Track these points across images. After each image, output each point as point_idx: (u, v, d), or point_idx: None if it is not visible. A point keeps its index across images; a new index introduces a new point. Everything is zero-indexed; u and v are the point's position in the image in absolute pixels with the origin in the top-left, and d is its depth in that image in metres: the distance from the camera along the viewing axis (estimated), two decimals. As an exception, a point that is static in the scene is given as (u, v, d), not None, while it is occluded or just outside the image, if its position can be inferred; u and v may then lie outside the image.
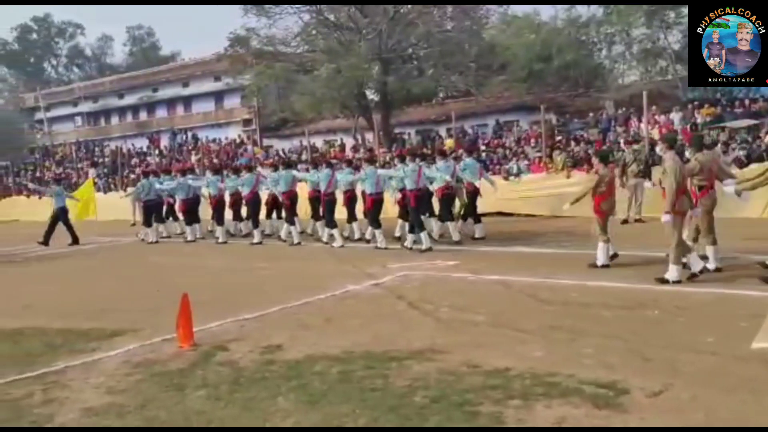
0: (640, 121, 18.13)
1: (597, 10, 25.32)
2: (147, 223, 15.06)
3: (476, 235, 11.76)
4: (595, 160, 8.91)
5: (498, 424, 3.66)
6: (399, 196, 11.84)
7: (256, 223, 13.46)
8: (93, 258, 13.16)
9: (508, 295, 7.17)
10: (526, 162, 17.30)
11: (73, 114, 50.11)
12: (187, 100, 44.26)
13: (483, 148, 20.83)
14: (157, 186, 15.06)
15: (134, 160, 33.73)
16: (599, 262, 8.28)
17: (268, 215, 14.53)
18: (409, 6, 22.62)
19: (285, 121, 31.73)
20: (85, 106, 48.29)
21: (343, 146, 27.29)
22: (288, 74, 24.34)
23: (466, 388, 4.21)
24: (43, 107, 47.81)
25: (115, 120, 49.13)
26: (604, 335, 5.27)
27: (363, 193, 12.04)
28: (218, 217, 14.21)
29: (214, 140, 36.06)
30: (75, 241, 15.09)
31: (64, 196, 15.80)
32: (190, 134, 39.76)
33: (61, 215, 15.29)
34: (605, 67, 27.68)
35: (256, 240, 13.26)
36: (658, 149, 8.12)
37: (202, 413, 4.07)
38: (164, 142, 39.29)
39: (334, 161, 15.38)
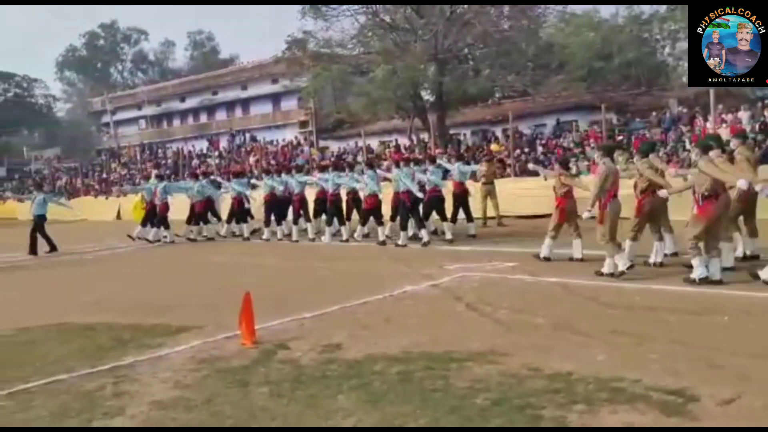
0: (706, 119, 17.54)
1: (660, 6, 24.63)
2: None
3: (470, 233, 12.74)
4: (597, 155, 8.95)
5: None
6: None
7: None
8: (156, 256, 13.58)
9: (568, 298, 7.05)
10: (585, 162, 16.96)
11: (138, 117, 51.84)
12: (246, 103, 45.21)
13: (540, 148, 20.54)
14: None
15: (195, 162, 34.64)
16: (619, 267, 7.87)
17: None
18: (466, 6, 22.47)
19: (341, 123, 32.05)
20: (149, 110, 49.88)
21: (398, 147, 27.35)
22: (344, 76, 24.53)
23: (527, 392, 4.16)
24: (109, 111, 49.62)
25: (176, 122, 50.62)
26: (671, 340, 5.12)
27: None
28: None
29: (271, 142, 36.72)
30: (52, 249, 14.33)
31: (45, 204, 14.79)
32: (248, 136, 40.60)
33: (38, 223, 14.38)
34: (668, 64, 26.89)
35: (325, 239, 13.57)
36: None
37: (265, 410, 4.15)
38: (223, 143, 40.21)
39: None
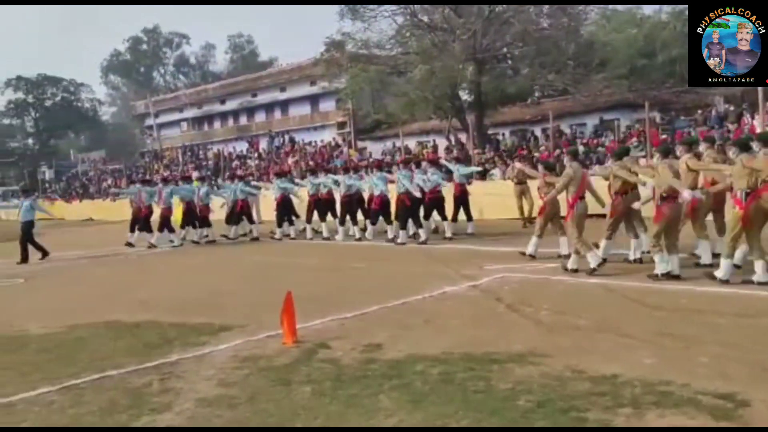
0: (753, 117, 17.03)
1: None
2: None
3: (468, 231, 13.37)
4: (566, 158, 9.25)
5: (607, 432, 3.55)
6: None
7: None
8: (197, 256, 13.80)
9: (611, 299, 6.94)
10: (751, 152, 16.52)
11: (179, 119, 52.78)
12: (284, 104, 45.61)
13: (582, 148, 20.22)
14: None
15: (235, 163, 35.13)
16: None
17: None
18: (505, 5, 22.27)
19: (379, 123, 32.03)
20: (190, 112, 50.75)
21: (435, 147, 27.26)
22: (382, 77, 24.55)
23: (571, 394, 4.11)
24: (152, 113, 50.62)
25: (217, 124, 51.38)
26: (720, 343, 4.99)
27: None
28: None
29: (309, 143, 36.99)
30: (43, 255, 14.14)
31: (33, 210, 14.60)
32: (287, 137, 40.98)
33: (26, 230, 14.10)
34: (714, 61, 26.11)
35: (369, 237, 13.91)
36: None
37: (308, 408, 4.18)
38: (263, 145, 40.66)
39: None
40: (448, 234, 13.05)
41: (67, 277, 11.80)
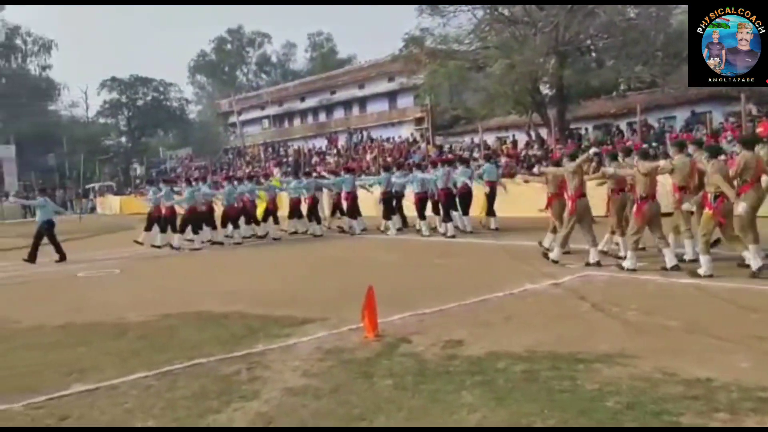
0: None
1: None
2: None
3: (491, 226, 14.35)
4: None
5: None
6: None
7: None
8: (279, 251, 14.15)
9: (703, 300, 6.65)
10: (722, 157, 15.81)
11: (261, 117, 54.21)
12: (363, 101, 46.06)
13: (669, 143, 19.38)
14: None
15: (314, 159, 35.79)
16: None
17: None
18: (590, -4, 21.60)
19: (457, 119, 31.83)
20: (272, 110, 51.99)
21: (515, 143, 26.86)
22: (461, 72, 24.31)
23: (662, 397, 3.97)
24: (235, 111, 52.17)
25: (297, 122, 52.50)
26: (826, 349, 4.70)
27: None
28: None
29: (387, 139, 37.21)
30: (61, 257, 13.52)
31: (50, 208, 14.05)
32: (365, 134, 41.39)
33: (45, 229, 13.55)
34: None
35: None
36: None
37: (391, 401, 4.22)
38: (341, 141, 41.23)
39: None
40: (468, 229, 14.11)
41: (159, 269, 12.36)
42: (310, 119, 51.20)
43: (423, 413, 4.00)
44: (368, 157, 31.63)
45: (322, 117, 49.81)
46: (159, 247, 14.72)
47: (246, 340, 6.03)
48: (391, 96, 43.40)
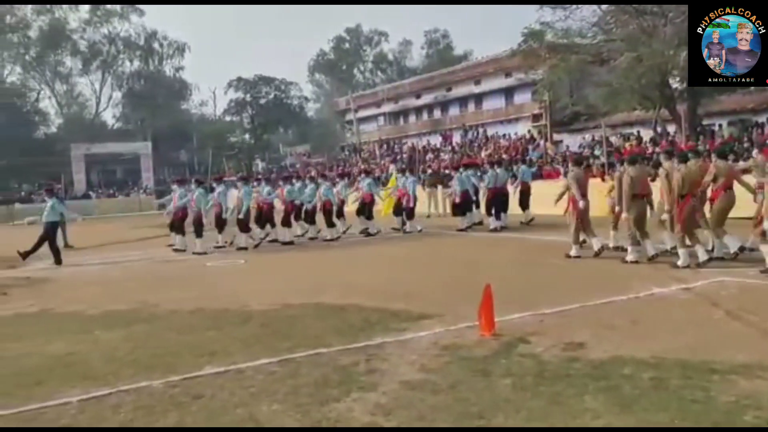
0: None
1: None
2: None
3: (524, 221, 16.16)
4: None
5: None
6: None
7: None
8: (395, 246, 14.30)
9: None
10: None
11: (377, 114, 55.02)
12: (478, 98, 45.55)
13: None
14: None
15: (428, 156, 35.87)
16: None
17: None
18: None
19: (577, 115, 30.76)
20: (387, 107, 52.64)
21: (640, 140, 25.56)
22: (582, 66, 23.53)
23: (811, 415, 3.65)
24: (352, 109, 53.28)
25: (412, 119, 52.78)
26: None
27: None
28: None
29: (503, 136, 36.63)
30: (57, 261, 13.09)
31: (58, 210, 13.57)
32: (480, 131, 40.96)
33: (49, 231, 13.27)
34: None
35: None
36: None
37: (509, 401, 4.16)
38: (456, 138, 41.04)
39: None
40: (493, 226, 15.45)
41: (281, 261, 12.87)
42: (425, 116, 51.32)
43: (543, 415, 3.91)
44: (483, 153, 31.29)
45: (437, 114, 49.77)
46: (245, 248, 14.43)
47: (364, 332, 6.16)
48: (508, 92, 42.61)
